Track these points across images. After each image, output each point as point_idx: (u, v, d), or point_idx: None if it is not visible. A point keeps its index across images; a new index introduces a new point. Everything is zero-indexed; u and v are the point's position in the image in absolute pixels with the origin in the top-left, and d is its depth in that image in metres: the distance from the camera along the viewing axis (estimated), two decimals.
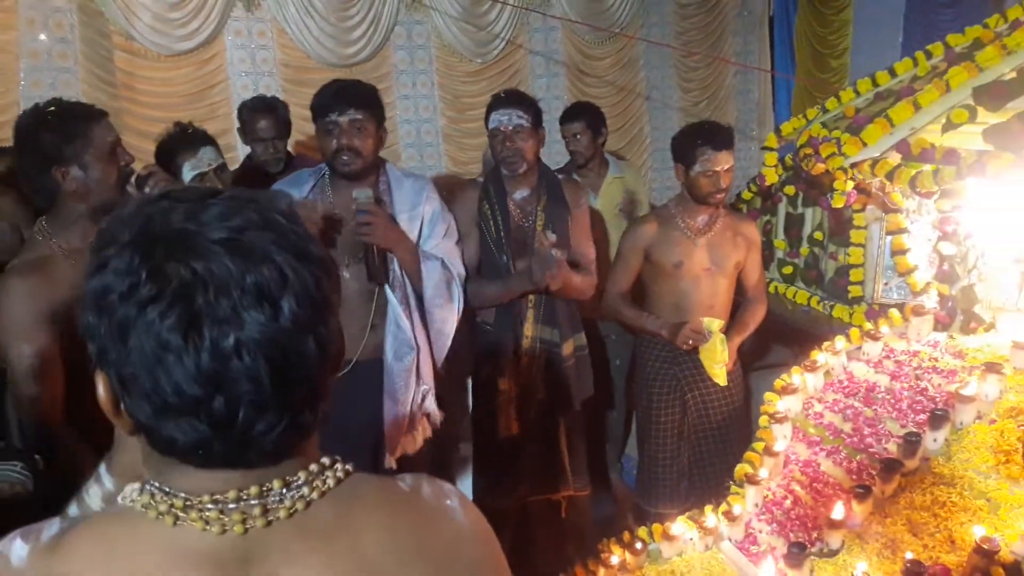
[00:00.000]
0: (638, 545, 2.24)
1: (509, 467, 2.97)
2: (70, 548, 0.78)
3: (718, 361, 3.02)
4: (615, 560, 2.21)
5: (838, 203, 3.04)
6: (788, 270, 3.62)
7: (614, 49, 6.26)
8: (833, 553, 2.00)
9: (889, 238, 2.98)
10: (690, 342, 3.01)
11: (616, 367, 3.89)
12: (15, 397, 1.98)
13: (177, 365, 0.73)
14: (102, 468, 1.06)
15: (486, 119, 2.92)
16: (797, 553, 1.96)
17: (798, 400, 2.52)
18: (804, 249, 3.52)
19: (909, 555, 1.84)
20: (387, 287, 2.55)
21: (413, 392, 2.61)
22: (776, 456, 2.35)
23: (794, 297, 3.53)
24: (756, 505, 2.29)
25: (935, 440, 2.12)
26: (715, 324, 3.01)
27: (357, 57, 5.40)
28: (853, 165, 2.93)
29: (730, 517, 2.24)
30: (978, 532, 1.78)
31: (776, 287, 3.60)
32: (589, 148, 3.92)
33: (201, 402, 0.74)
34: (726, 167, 2.93)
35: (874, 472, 2.12)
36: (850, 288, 3.16)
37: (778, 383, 2.59)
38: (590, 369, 3.05)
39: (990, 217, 2.63)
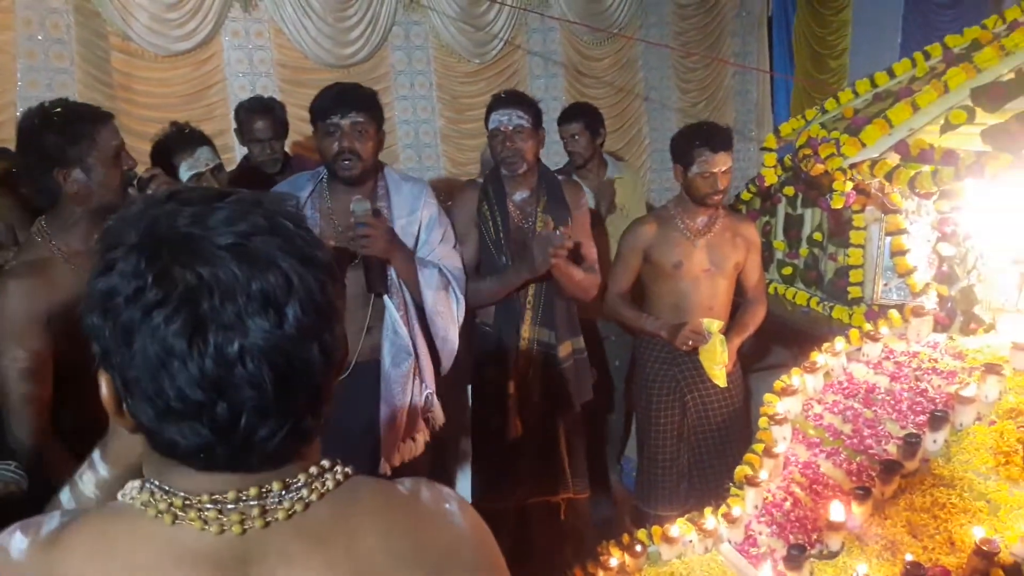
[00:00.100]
0: (637, 547, 2.23)
1: (508, 469, 2.96)
2: (69, 543, 0.78)
3: (718, 362, 3.02)
4: (614, 562, 2.21)
5: (837, 204, 3.04)
6: (787, 271, 3.61)
7: (612, 50, 6.26)
8: (833, 555, 1.99)
9: (888, 239, 2.98)
10: (690, 343, 3.01)
11: (615, 368, 3.88)
12: (5, 399, 1.96)
13: (181, 370, 0.73)
14: (96, 454, 1.06)
15: (486, 119, 2.91)
16: (797, 555, 1.96)
17: (798, 401, 2.52)
18: (803, 250, 3.52)
19: (909, 557, 1.83)
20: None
21: (412, 396, 2.60)
22: (776, 458, 2.35)
23: (793, 298, 3.53)
24: (756, 507, 2.29)
25: (935, 441, 2.12)
26: (715, 325, 3.00)
27: (355, 58, 5.39)
28: (852, 166, 2.93)
29: (730, 519, 2.24)
30: (978, 533, 1.78)
31: (775, 288, 3.59)
32: (587, 149, 3.92)
33: (204, 407, 0.74)
34: (724, 168, 2.93)
35: (874, 473, 2.12)
36: (849, 289, 3.16)
37: (778, 384, 2.58)
38: (589, 373, 3.04)
39: (989, 218, 2.63)
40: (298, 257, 0.78)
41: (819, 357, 2.61)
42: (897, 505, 2.02)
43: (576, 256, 2.88)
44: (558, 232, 2.65)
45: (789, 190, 3.56)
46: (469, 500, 2.96)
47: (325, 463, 0.85)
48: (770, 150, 3.62)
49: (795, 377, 2.57)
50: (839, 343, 2.67)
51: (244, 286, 0.74)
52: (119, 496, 0.83)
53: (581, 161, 3.93)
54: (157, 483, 0.80)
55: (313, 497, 0.82)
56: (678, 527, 2.25)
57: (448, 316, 2.65)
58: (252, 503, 0.79)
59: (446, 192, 4.64)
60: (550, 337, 2.91)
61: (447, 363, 2.71)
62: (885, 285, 3.07)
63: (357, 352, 2.52)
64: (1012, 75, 2.75)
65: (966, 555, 1.77)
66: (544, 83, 6.04)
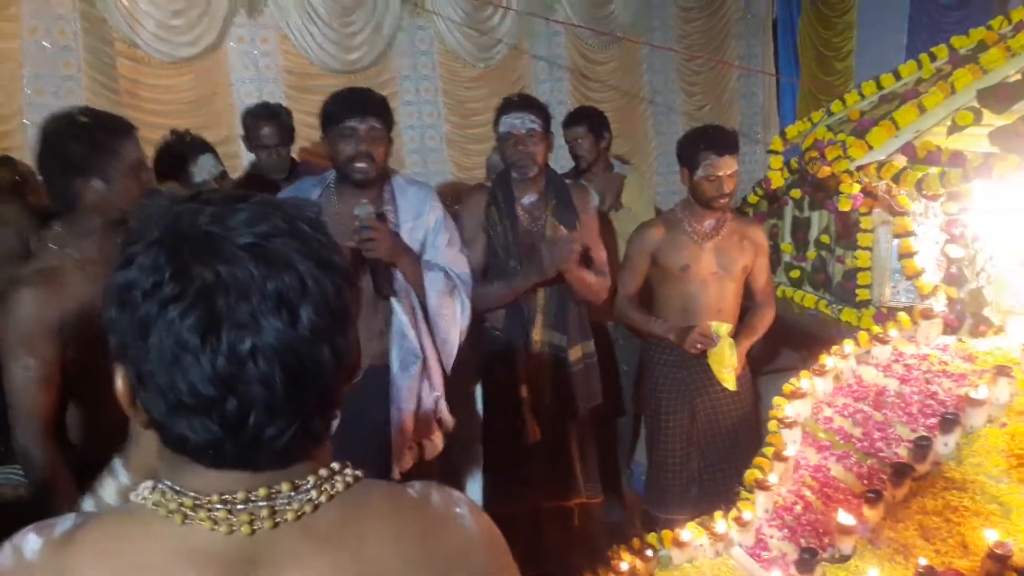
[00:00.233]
0: (648, 552, 2.23)
1: (519, 473, 2.96)
2: (81, 543, 0.79)
3: (727, 365, 3.01)
4: (625, 567, 2.20)
5: (844, 206, 3.04)
6: (795, 274, 3.61)
7: (617, 53, 6.27)
8: (845, 559, 1.99)
9: (896, 241, 2.97)
10: (698, 346, 3.01)
11: (623, 372, 3.88)
12: (9, 406, 1.97)
13: (193, 365, 0.74)
14: (117, 463, 1.08)
15: (495, 123, 2.91)
16: (808, 559, 1.95)
17: (807, 405, 2.51)
18: (811, 253, 3.51)
19: (922, 560, 1.82)
20: (393, 298, 2.55)
21: (420, 400, 2.60)
22: (786, 461, 2.34)
23: (802, 301, 3.52)
24: (766, 511, 2.28)
25: (946, 444, 2.11)
26: (723, 328, 3.00)
27: (360, 63, 5.40)
28: (859, 168, 2.93)
29: (740, 523, 2.23)
30: (991, 537, 1.77)
31: (783, 291, 3.58)
32: (591, 152, 3.92)
33: (214, 403, 0.75)
34: (729, 172, 2.93)
35: (885, 477, 2.11)
36: (858, 291, 3.15)
37: (787, 387, 2.58)
38: (598, 377, 3.04)
39: (997, 219, 2.62)
40: (315, 260, 0.78)
41: (828, 360, 2.60)
42: (909, 508, 2.01)
43: (585, 259, 2.88)
44: (568, 235, 2.66)
45: (796, 193, 3.55)
46: (480, 504, 2.97)
47: (335, 466, 0.86)
48: (776, 153, 3.62)
49: (804, 380, 2.57)
50: (848, 346, 2.66)
51: (260, 286, 0.75)
52: (132, 496, 0.83)
53: (585, 165, 3.94)
54: (169, 483, 0.81)
55: (322, 499, 0.82)
56: (688, 531, 2.24)
57: (451, 319, 2.64)
58: (261, 504, 0.79)
59: (453, 196, 4.65)
60: (561, 340, 2.91)
61: (447, 364, 2.71)
62: (893, 287, 3.06)
63: (369, 356, 2.52)
64: (1019, 76, 2.75)
65: (979, 558, 1.77)
66: (549, 87, 6.04)
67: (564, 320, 2.90)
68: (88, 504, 1.07)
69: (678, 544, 2.21)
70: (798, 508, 2.26)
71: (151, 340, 0.74)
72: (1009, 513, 1.86)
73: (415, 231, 2.61)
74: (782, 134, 3.76)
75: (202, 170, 2.91)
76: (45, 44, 4.58)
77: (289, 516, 0.80)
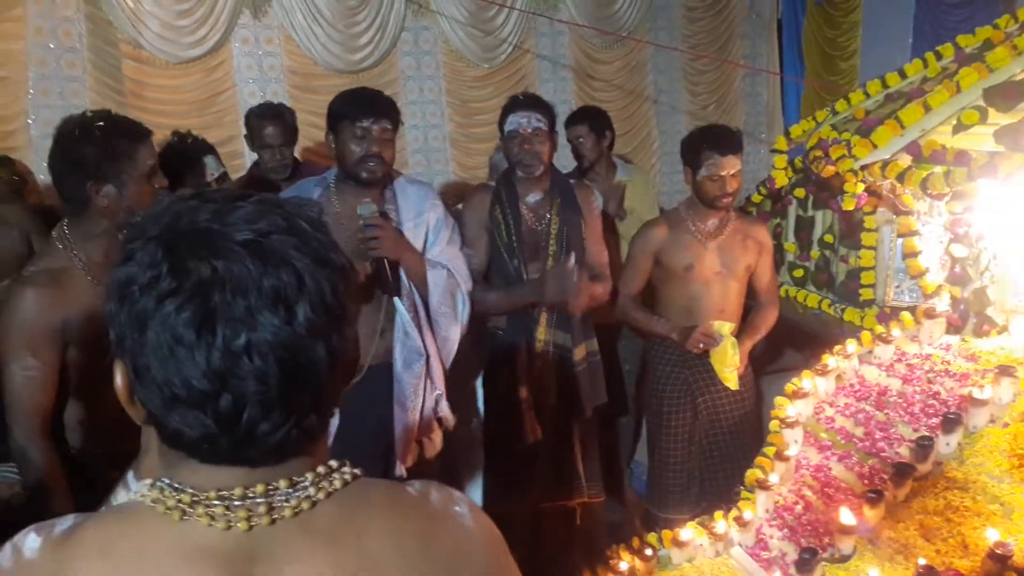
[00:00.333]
0: (648, 551, 2.22)
1: (521, 473, 2.96)
2: (80, 542, 0.80)
3: (729, 365, 3.00)
4: (624, 566, 2.19)
5: (848, 206, 3.03)
6: (799, 273, 3.60)
7: (621, 53, 6.26)
8: (845, 559, 1.98)
9: (900, 240, 2.95)
10: (701, 346, 3.00)
11: (625, 372, 3.87)
12: (7, 405, 1.97)
13: (188, 359, 0.75)
14: (130, 475, 1.09)
15: (501, 122, 2.90)
16: (809, 559, 1.95)
17: (809, 404, 2.50)
18: (815, 252, 3.50)
19: (922, 561, 1.82)
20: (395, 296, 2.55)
21: (423, 399, 2.60)
22: (787, 461, 2.33)
23: (805, 300, 3.51)
24: (767, 511, 2.27)
25: (948, 444, 2.10)
26: (726, 327, 2.99)
27: (364, 63, 5.41)
28: (863, 167, 2.91)
29: (741, 523, 2.22)
30: (992, 537, 1.76)
31: (786, 290, 3.57)
32: (593, 151, 3.91)
33: (209, 397, 0.76)
34: (732, 171, 2.92)
35: (886, 477, 2.10)
36: (861, 291, 3.14)
37: (789, 387, 2.57)
38: (602, 376, 3.03)
39: (1002, 219, 2.61)
40: (312, 257, 0.79)
41: (831, 360, 2.60)
42: (910, 508, 2.00)
43: (587, 257, 2.88)
44: (575, 271, 2.71)
45: (800, 192, 3.54)
46: (480, 504, 2.97)
47: (333, 463, 0.86)
48: (780, 152, 3.61)
49: (806, 380, 2.56)
50: (851, 345, 2.65)
51: (256, 282, 0.75)
52: (131, 494, 0.84)
53: (588, 164, 3.93)
54: (168, 480, 0.81)
55: (320, 496, 0.82)
56: (689, 531, 2.23)
57: (452, 317, 2.65)
58: (259, 500, 0.80)
59: (456, 196, 4.65)
60: (566, 340, 2.91)
61: (447, 362, 2.71)
62: (897, 287, 3.05)
63: (371, 354, 2.52)
64: None
65: (980, 559, 1.76)
66: (553, 87, 6.04)
67: (568, 320, 2.90)
68: None
69: (678, 544, 2.20)
70: (799, 508, 2.25)
71: (148, 334, 0.75)
72: (1010, 513, 1.85)
73: (416, 230, 2.61)
74: (786, 133, 3.75)
75: (203, 171, 2.91)
76: (50, 45, 4.60)
77: (287, 512, 0.80)
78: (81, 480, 2.03)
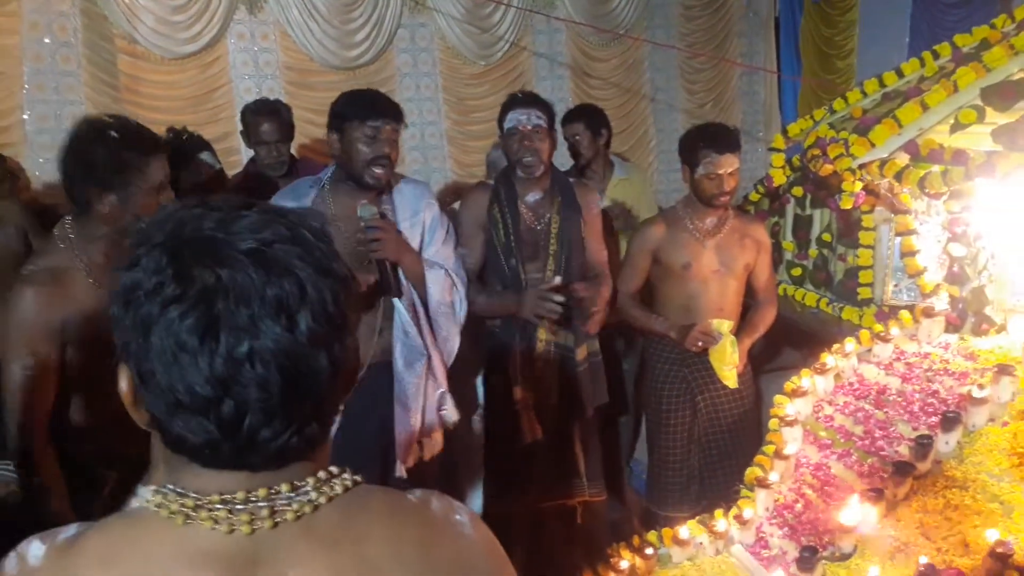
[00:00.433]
0: (648, 550, 2.22)
1: (520, 472, 2.95)
2: (83, 549, 0.80)
3: (728, 363, 3.00)
4: (625, 565, 2.19)
5: (846, 204, 3.03)
6: (797, 272, 3.60)
7: (618, 51, 6.25)
8: (845, 557, 1.98)
9: (898, 239, 2.96)
10: (699, 344, 3.00)
11: (624, 371, 3.87)
12: (6, 402, 1.97)
13: (192, 365, 0.75)
14: (140, 488, 1.08)
15: (500, 119, 2.89)
16: (809, 557, 1.95)
17: (808, 403, 2.51)
18: (813, 251, 3.50)
19: (923, 559, 1.82)
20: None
21: (426, 398, 2.60)
22: (787, 459, 2.34)
23: (803, 299, 3.51)
24: (767, 509, 2.28)
25: (947, 443, 2.10)
26: (724, 326, 2.99)
27: (360, 60, 5.40)
28: (861, 166, 2.91)
29: (741, 521, 2.23)
30: (992, 535, 1.77)
31: (785, 289, 3.58)
32: (589, 149, 3.90)
33: (211, 403, 0.76)
34: (730, 170, 2.92)
35: (886, 475, 2.10)
36: (859, 290, 3.14)
37: (788, 386, 2.57)
38: (603, 376, 3.03)
39: (1000, 218, 2.61)
40: (315, 267, 0.80)
41: (829, 358, 2.60)
42: (910, 507, 2.01)
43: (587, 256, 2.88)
44: (556, 279, 2.73)
45: (798, 191, 3.54)
46: (480, 503, 2.97)
47: (334, 469, 0.87)
48: (778, 151, 3.61)
49: (805, 378, 2.56)
50: (849, 344, 2.66)
51: (259, 290, 0.76)
52: (135, 500, 0.84)
53: (584, 162, 3.92)
54: (171, 486, 0.82)
55: (322, 500, 0.83)
56: (688, 529, 2.24)
57: (451, 316, 2.65)
58: (261, 504, 0.81)
59: (453, 194, 4.64)
60: (568, 339, 2.90)
61: (448, 361, 2.71)
62: (895, 286, 3.05)
63: (371, 354, 2.51)
64: (1022, 74, 2.74)
65: (980, 557, 1.76)
66: (550, 85, 6.03)
67: (569, 320, 2.89)
68: None
69: (678, 542, 2.21)
70: (799, 506, 2.25)
71: (152, 339, 0.76)
72: (1010, 512, 1.86)
73: (412, 230, 2.60)
74: (784, 132, 3.75)
75: (200, 168, 2.89)
76: (45, 40, 4.58)
77: (289, 516, 0.81)
78: (80, 480, 2.02)
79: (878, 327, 2.78)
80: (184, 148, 2.97)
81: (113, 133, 1.95)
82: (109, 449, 2.06)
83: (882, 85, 3.39)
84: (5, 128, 4.50)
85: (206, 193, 2.70)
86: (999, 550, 1.70)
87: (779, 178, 3.55)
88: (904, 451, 2.16)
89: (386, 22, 5.46)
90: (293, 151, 3.88)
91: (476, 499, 3.11)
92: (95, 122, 1.98)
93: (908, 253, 2.91)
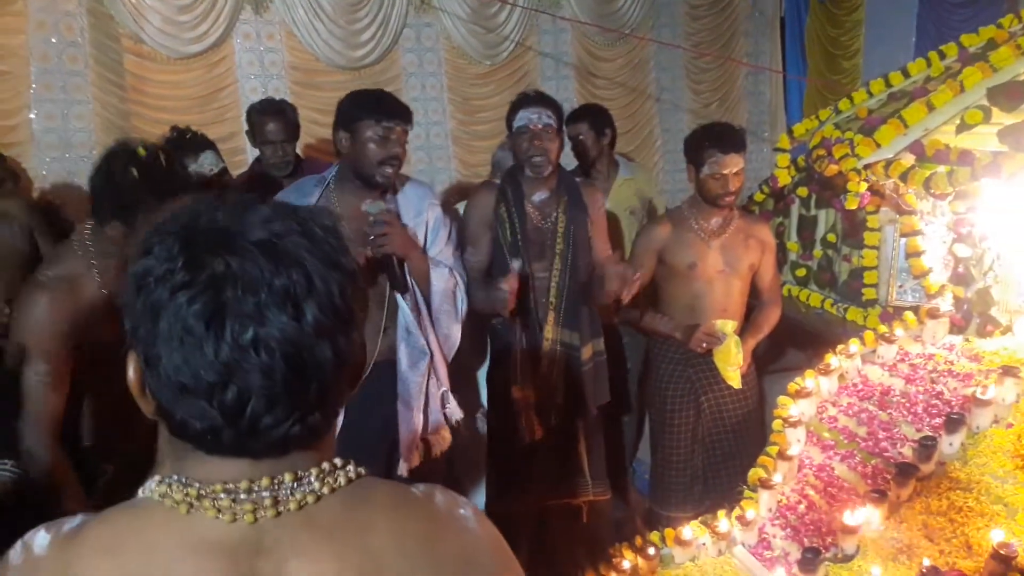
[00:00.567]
0: (650, 550, 2.22)
1: (523, 471, 2.95)
2: (87, 539, 0.81)
3: (732, 363, 3.00)
4: (627, 565, 2.19)
5: (851, 205, 3.02)
6: (801, 272, 3.59)
7: (624, 51, 6.24)
8: (848, 558, 1.98)
9: (903, 240, 2.95)
10: (704, 345, 3.00)
11: (628, 370, 3.86)
12: (23, 408, 1.99)
13: (197, 350, 0.77)
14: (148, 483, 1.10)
15: (509, 118, 2.88)
16: (811, 558, 1.95)
17: (812, 404, 2.50)
18: (817, 251, 3.50)
19: (926, 561, 1.82)
20: (398, 294, 2.54)
21: (428, 396, 2.60)
22: (790, 460, 2.33)
23: (807, 300, 3.51)
24: (770, 510, 2.28)
25: (951, 444, 2.10)
26: (729, 326, 2.99)
27: (366, 60, 5.40)
28: (866, 166, 2.91)
29: (743, 522, 2.22)
30: (995, 537, 1.76)
31: (789, 290, 3.57)
32: (593, 148, 3.90)
33: (215, 388, 0.78)
34: (735, 170, 2.92)
35: (889, 476, 2.10)
36: (864, 291, 3.13)
37: (792, 387, 2.57)
38: (606, 374, 3.03)
39: (1006, 219, 2.60)
40: (323, 260, 0.82)
41: (833, 359, 2.60)
42: (913, 508, 2.00)
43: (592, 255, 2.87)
44: (514, 263, 2.71)
45: (803, 191, 3.53)
46: (483, 501, 2.97)
47: (338, 461, 0.88)
48: (783, 151, 3.60)
49: (809, 379, 2.56)
50: (853, 345, 2.65)
51: (268, 280, 0.78)
52: (140, 491, 0.85)
53: (588, 162, 3.91)
54: (175, 476, 0.83)
55: (325, 491, 0.84)
56: (691, 529, 2.23)
57: (452, 315, 2.66)
58: (264, 493, 0.82)
59: (458, 194, 4.64)
60: (573, 338, 2.90)
61: (447, 359, 2.71)
62: (900, 287, 3.04)
63: (375, 354, 2.52)
64: None
65: (983, 559, 1.76)
66: (555, 84, 6.02)
67: (577, 318, 2.89)
68: None
69: (680, 542, 2.21)
70: (802, 507, 2.25)
71: (161, 324, 0.78)
72: (1014, 514, 1.85)
73: (416, 229, 2.61)
74: (789, 132, 3.75)
75: (202, 167, 2.89)
76: (52, 39, 4.58)
77: (292, 506, 0.82)
78: (80, 474, 2.04)
79: (882, 328, 2.78)
80: (187, 147, 2.98)
81: (134, 171, 1.96)
82: (107, 445, 2.09)
83: (888, 85, 3.39)
84: (12, 127, 4.51)
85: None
86: (1002, 552, 1.69)
87: (784, 178, 3.54)
88: (908, 452, 2.16)
89: (392, 22, 5.46)
90: (298, 151, 3.89)
91: (479, 498, 3.11)
92: (131, 151, 2.00)
93: (913, 254, 2.90)
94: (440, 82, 5.73)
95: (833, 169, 3.02)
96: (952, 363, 2.46)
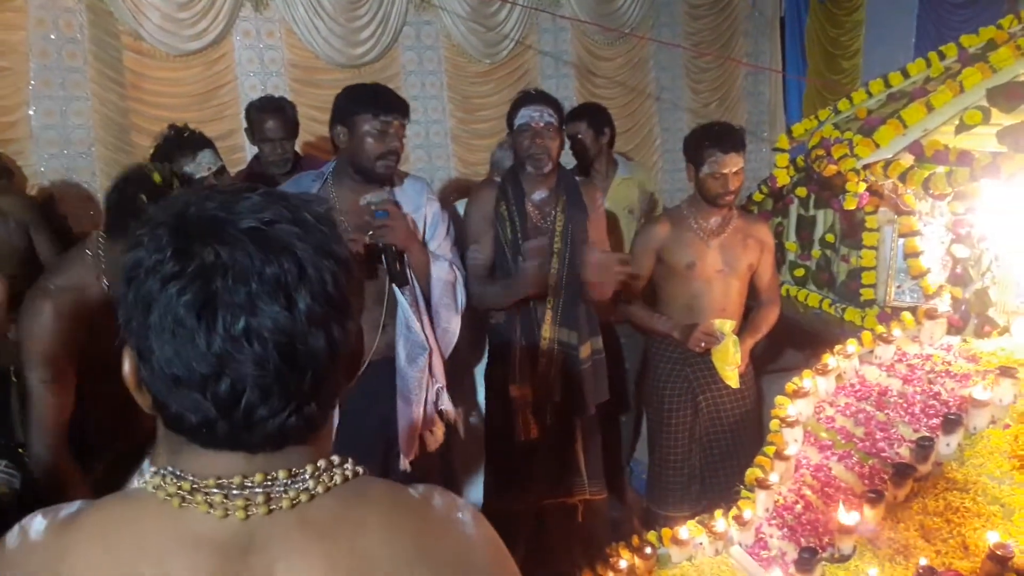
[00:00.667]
0: (647, 549, 2.22)
1: (521, 470, 2.95)
2: (82, 525, 0.82)
3: (730, 363, 3.00)
4: (624, 564, 2.19)
5: (850, 205, 3.02)
6: (800, 272, 3.59)
7: (624, 50, 6.24)
8: (845, 559, 1.98)
9: (902, 240, 2.95)
10: (702, 344, 3.00)
11: (626, 370, 3.86)
12: (29, 413, 2.00)
13: (189, 342, 0.76)
14: (146, 464, 1.10)
15: (510, 116, 2.88)
16: (808, 559, 1.95)
17: (809, 404, 2.50)
18: (816, 251, 3.50)
19: (923, 561, 1.81)
20: (397, 289, 2.54)
21: (427, 392, 2.60)
22: (787, 460, 2.33)
23: (806, 300, 3.51)
24: (767, 510, 2.27)
25: (948, 445, 2.10)
26: (727, 326, 2.99)
27: (366, 58, 5.39)
28: (865, 167, 2.91)
29: (740, 522, 2.22)
30: (992, 538, 1.76)
31: (787, 290, 3.57)
32: (592, 147, 3.89)
33: (208, 380, 0.77)
34: (734, 169, 2.92)
35: (886, 477, 2.10)
36: (862, 291, 3.13)
37: (789, 387, 2.57)
38: (605, 373, 3.03)
39: (1004, 219, 2.60)
40: (315, 248, 0.81)
41: (831, 359, 2.59)
42: (910, 509, 2.00)
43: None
44: (535, 244, 2.70)
45: (801, 191, 3.53)
46: (481, 499, 2.97)
47: (335, 459, 0.87)
48: (782, 151, 3.60)
49: (807, 379, 2.55)
50: (851, 345, 2.65)
51: (258, 269, 0.77)
52: (135, 481, 0.85)
53: (587, 161, 3.91)
54: (170, 468, 0.83)
55: (319, 489, 0.83)
56: (688, 529, 2.23)
57: (452, 308, 2.67)
58: (257, 490, 0.81)
59: (457, 192, 4.64)
60: (571, 337, 2.90)
61: (445, 353, 2.71)
62: (898, 287, 3.05)
63: (373, 349, 2.52)
64: None
65: (980, 560, 1.76)
66: (555, 83, 6.01)
67: (574, 317, 2.89)
68: None
69: (677, 542, 2.21)
70: (798, 507, 2.25)
71: (152, 316, 0.77)
72: (1011, 514, 1.85)
73: (415, 223, 2.61)
74: (788, 132, 3.75)
75: (200, 166, 2.88)
76: (51, 36, 4.57)
77: (284, 504, 0.81)
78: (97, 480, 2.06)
79: (880, 328, 2.78)
80: (185, 145, 2.97)
81: (144, 198, 1.96)
82: (104, 440, 2.09)
83: (887, 85, 3.39)
84: (11, 124, 4.50)
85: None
86: (999, 552, 1.69)
87: (783, 178, 3.54)
88: (905, 453, 2.16)
89: (391, 20, 5.45)
90: (297, 148, 3.88)
91: (476, 495, 3.11)
92: (144, 177, 2.01)
93: (911, 254, 2.90)
94: (440, 80, 5.73)
95: (832, 169, 3.02)
96: (950, 364, 2.46)
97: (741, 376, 3.06)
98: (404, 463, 2.58)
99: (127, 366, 0.84)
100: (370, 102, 2.46)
